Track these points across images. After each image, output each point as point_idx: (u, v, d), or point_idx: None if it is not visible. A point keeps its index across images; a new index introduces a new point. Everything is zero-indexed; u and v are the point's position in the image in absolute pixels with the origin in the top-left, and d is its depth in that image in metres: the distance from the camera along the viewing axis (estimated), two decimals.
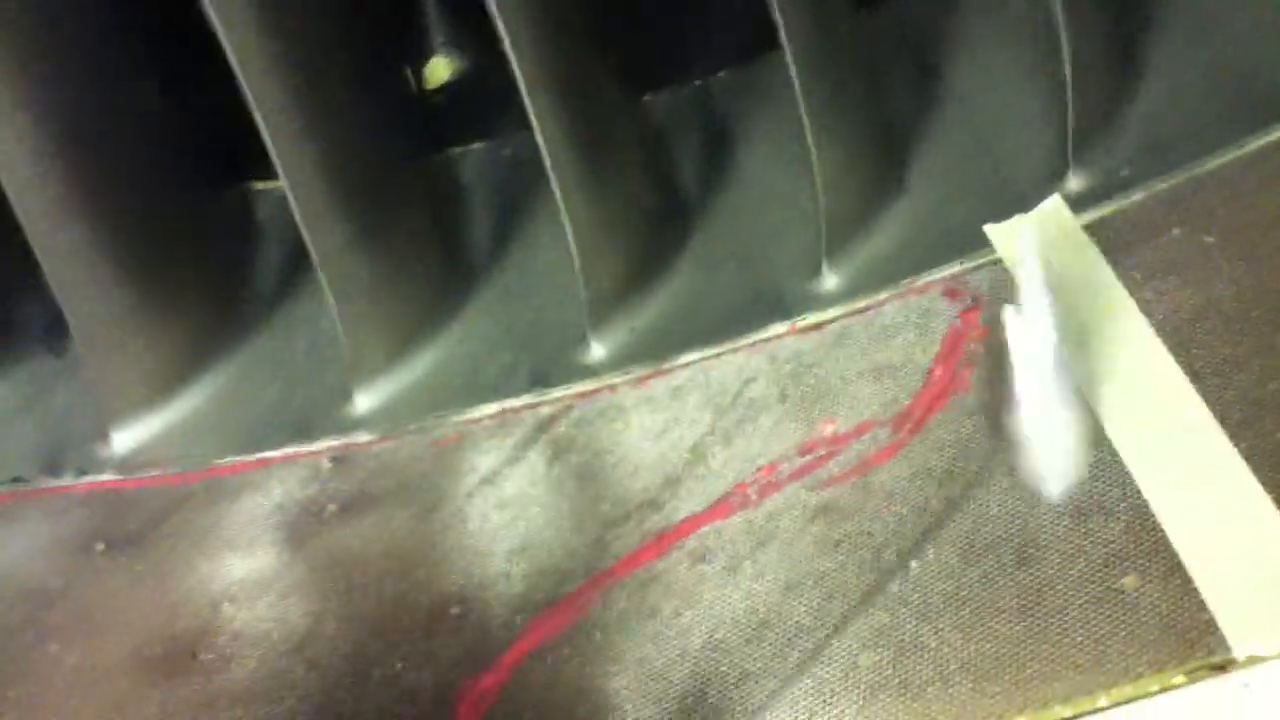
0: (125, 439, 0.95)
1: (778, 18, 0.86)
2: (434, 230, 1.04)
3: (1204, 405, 0.74)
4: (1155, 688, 0.64)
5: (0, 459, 0.95)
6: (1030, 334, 0.74)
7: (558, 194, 0.89)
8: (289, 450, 0.93)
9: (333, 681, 0.78)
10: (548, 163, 0.87)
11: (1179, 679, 0.64)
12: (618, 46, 1.02)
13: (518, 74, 0.87)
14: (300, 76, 0.92)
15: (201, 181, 1.10)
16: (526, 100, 0.88)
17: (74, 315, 0.94)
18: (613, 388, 0.93)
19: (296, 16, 0.92)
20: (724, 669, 0.74)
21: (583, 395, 0.93)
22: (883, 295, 0.91)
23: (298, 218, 0.89)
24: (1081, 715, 0.64)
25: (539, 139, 0.88)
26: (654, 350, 0.95)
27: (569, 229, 0.90)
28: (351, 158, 0.97)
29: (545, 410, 0.93)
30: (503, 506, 0.87)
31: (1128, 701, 0.64)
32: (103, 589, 0.85)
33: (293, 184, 0.91)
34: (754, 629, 0.75)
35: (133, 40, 1.03)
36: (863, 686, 0.70)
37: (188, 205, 1.07)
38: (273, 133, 0.89)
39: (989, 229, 0.90)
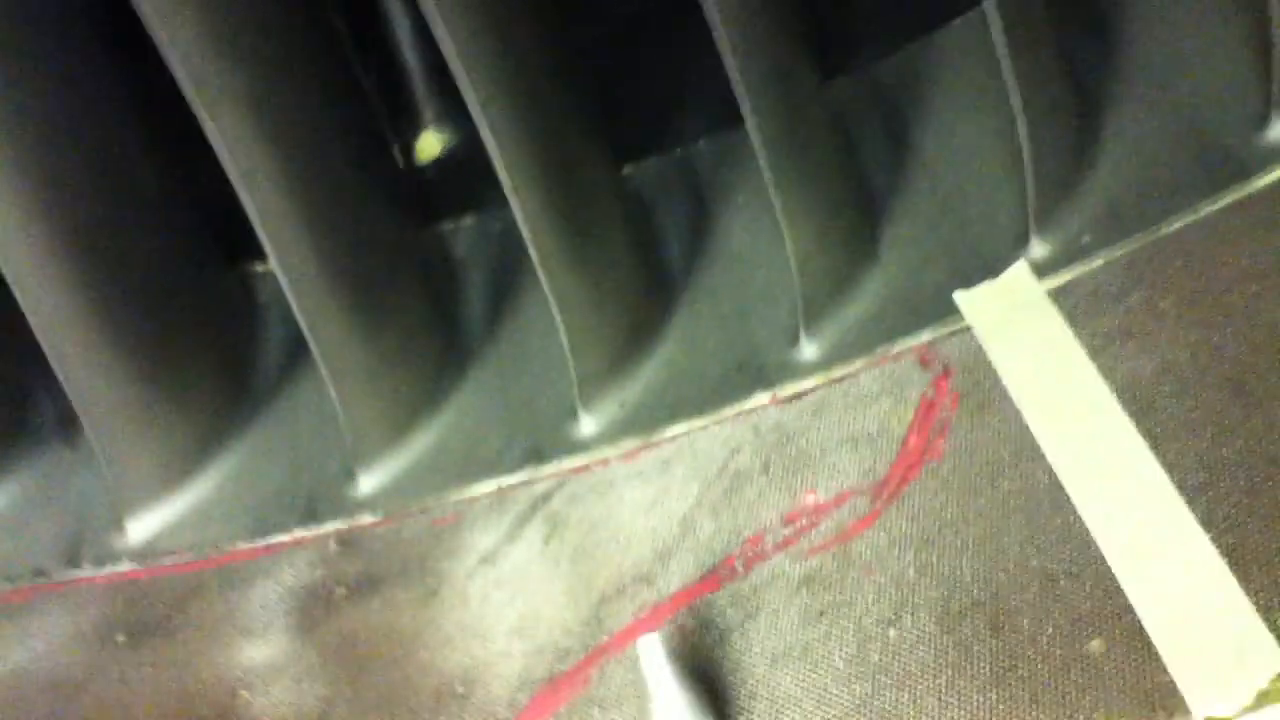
0: (140, 528, 0.99)
1: (742, 96, 0.90)
2: (428, 308, 1.08)
3: (1162, 469, 0.78)
4: None
5: (21, 552, 0.99)
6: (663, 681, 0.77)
7: (539, 269, 0.92)
8: (297, 534, 0.97)
9: None
10: (529, 238, 0.91)
11: None
12: (596, 119, 1.05)
13: (494, 152, 0.90)
14: (290, 158, 0.95)
15: (203, 265, 1.14)
16: (504, 178, 0.91)
17: (83, 408, 0.98)
18: (604, 462, 0.97)
19: (285, 97, 0.95)
20: None
21: (576, 470, 0.97)
22: (858, 364, 0.95)
23: (292, 302, 0.92)
24: None
25: (519, 215, 0.91)
26: (643, 423, 0.99)
27: (554, 304, 0.94)
28: (345, 238, 1.00)
29: (540, 487, 0.97)
30: (501, 585, 0.90)
31: None
32: (124, 680, 0.89)
33: (286, 267, 0.94)
34: (744, 700, 0.79)
35: (132, 125, 1.05)
36: None
37: (191, 290, 1.10)
38: (263, 215, 0.92)
39: (958, 296, 0.94)
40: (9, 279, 0.95)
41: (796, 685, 0.79)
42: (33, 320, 0.97)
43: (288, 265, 0.95)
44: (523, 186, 0.92)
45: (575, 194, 0.99)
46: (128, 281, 1.04)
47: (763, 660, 0.81)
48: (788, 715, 0.77)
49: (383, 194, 1.12)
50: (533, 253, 0.95)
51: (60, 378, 0.98)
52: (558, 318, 0.97)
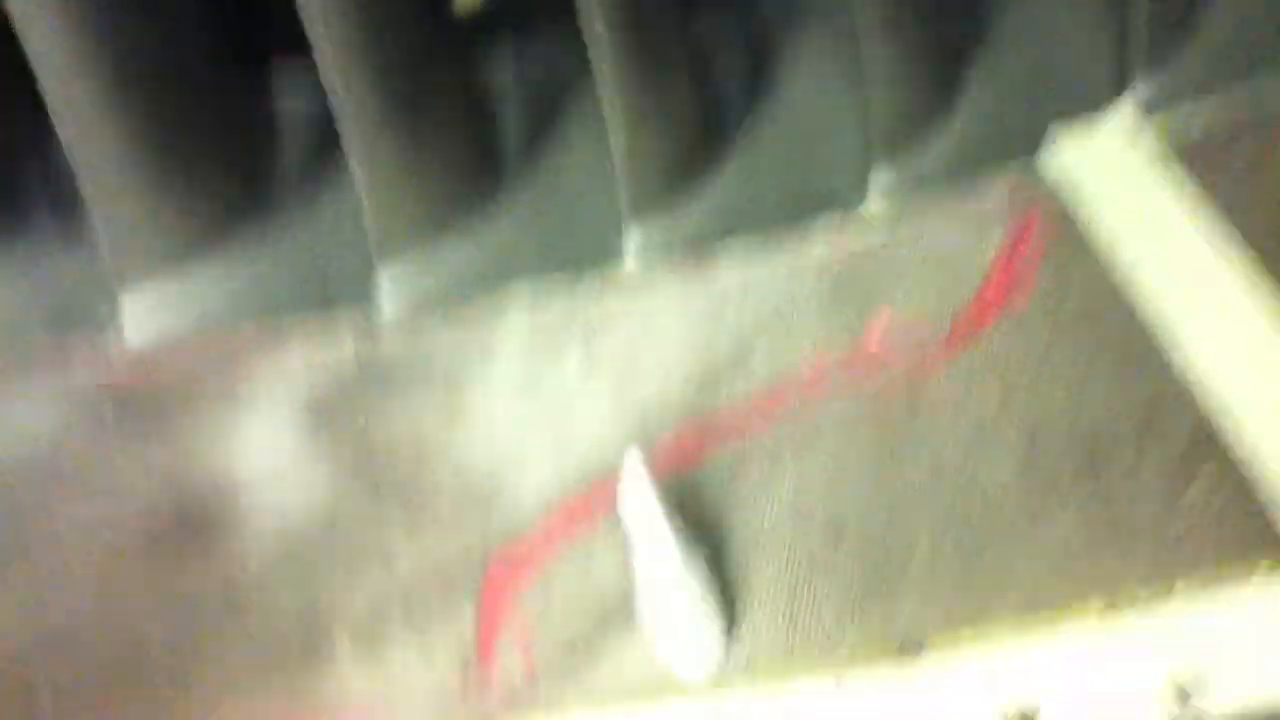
0: (137, 307, 0.91)
1: None
2: (466, 120, 1.00)
3: (1267, 317, 0.73)
4: (1228, 583, 0.62)
5: (7, 318, 0.91)
6: (648, 519, 0.66)
7: (608, 78, 0.85)
8: (310, 326, 0.89)
9: (354, 553, 0.75)
10: (602, 49, 0.83)
11: (1251, 576, 0.62)
12: None
13: None
14: None
15: (224, 59, 1.05)
16: None
17: (88, 178, 0.90)
18: (650, 284, 0.90)
19: None
20: (764, 563, 0.72)
21: (619, 289, 0.90)
22: (934, 206, 0.89)
23: (336, 82, 0.85)
24: (1157, 599, 0.63)
25: (597, 21, 0.84)
26: (693, 249, 0.92)
27: (617, 118, 0.86)
28: (389, 35, 0.93)
29: (578, 304, 0.90)
30: (534, 396, 0.84)
31: (1203, 590, 0.62)
32: (116, 454, 0.81)
33: (332, 56, 0.87)
34: (800, 526, 0.73)
35: None
36: (921, 576, 0.69)
37: (210, 79, 1.02)
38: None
39: (1051, 137, 0.88)
40: (23, 38, 0.86)
41: (859, 511, 0.73)
42: (40, 76, 0.88)
43: (330, 47, 0.87)
44: None
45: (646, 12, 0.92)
46: (144, 57, 0.95)
47: (818, 487, 0.75)
48: (848, 540, 0.71)
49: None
50: (604, 64, 0.87)
51: (65, 142, 0.89)
52: (618, 133, 0.89)
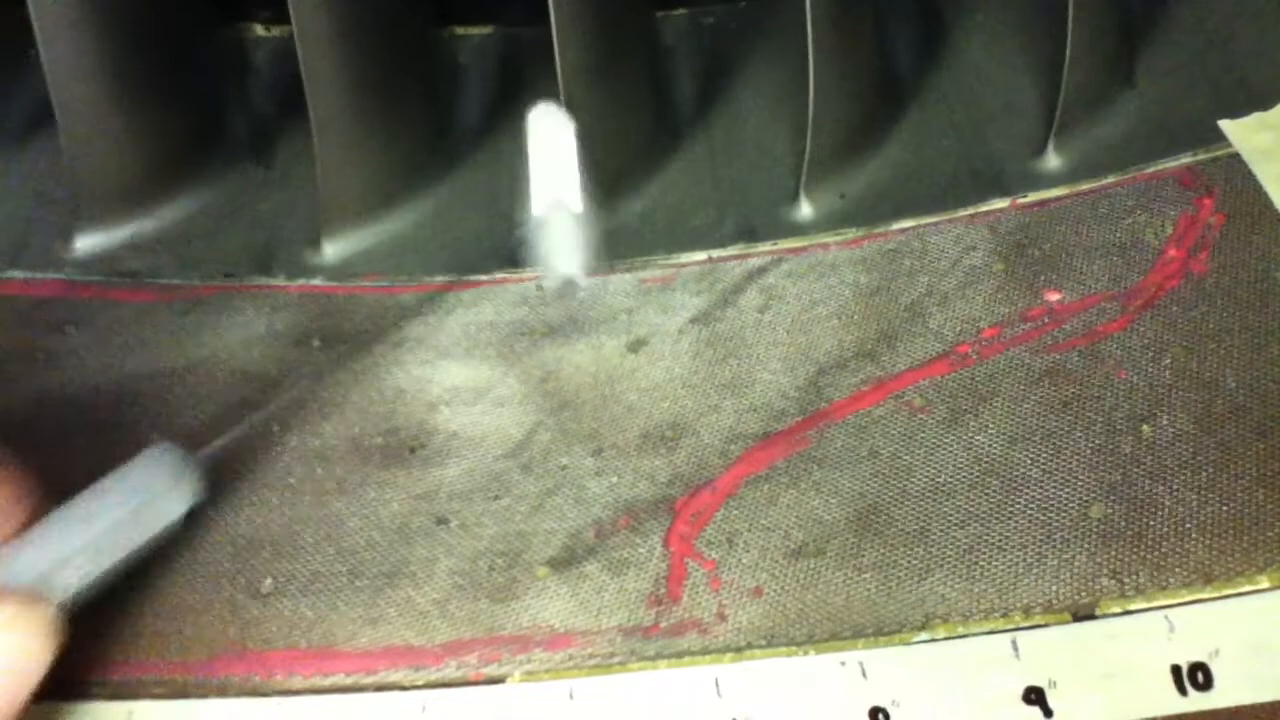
0: (336, 249, 0.96)
1: None
2: (647, 83, 1.04)
3: None
4: None
5: (211, 254, 0.96)
6: (551, 127, 0.81)
7: (811, 48, 0.88)
8: (497, 275, 0.94)
9: (546, 487, 0.79)
10: (810, 18, 0.86)
11: None
12: None
13: None
14: None
15: (420, 20, 1.09)
16: None
17: (318, 118, 0.93)
18: (824, 246, 0.93)
19: None
20: (947, 510, 0.74)
21: (793, 250, 0.93)
22: (1109, 179, 0.91)
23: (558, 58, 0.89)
24: None
25: None
26: (865, 215, 0.95)
27: (812, 78, 0.89)
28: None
29: (754, 261, 0.93)
30: (713, 344, 0.87)
31: None
32: (321, 381, 0.86)
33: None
34: (977, 476, 0.76)
35: None
36: (1094, 535, 0.71)
37: (407, 37, 1.06)
38: None
39: (1225, 123, 0.89)
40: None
41: (1036, 467, 0.75)
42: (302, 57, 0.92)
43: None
44: None
45: None
46: (369, 24, 0.98)
47: (999, 440, 0.77)
48: (1024, 495, 0.74)
49: None
50: (811, 24, 0.90)
51: (307, 87, 0.93)
52: (811, 91, 0.92)
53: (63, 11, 0.88)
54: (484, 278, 0.94)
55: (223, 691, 0.70)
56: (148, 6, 0.94)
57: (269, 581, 0.74)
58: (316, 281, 0.94)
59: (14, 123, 1.04)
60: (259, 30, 1.13)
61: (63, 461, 0.69)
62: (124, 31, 0.91)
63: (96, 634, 0.71)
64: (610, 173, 0.99)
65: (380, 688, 0.69)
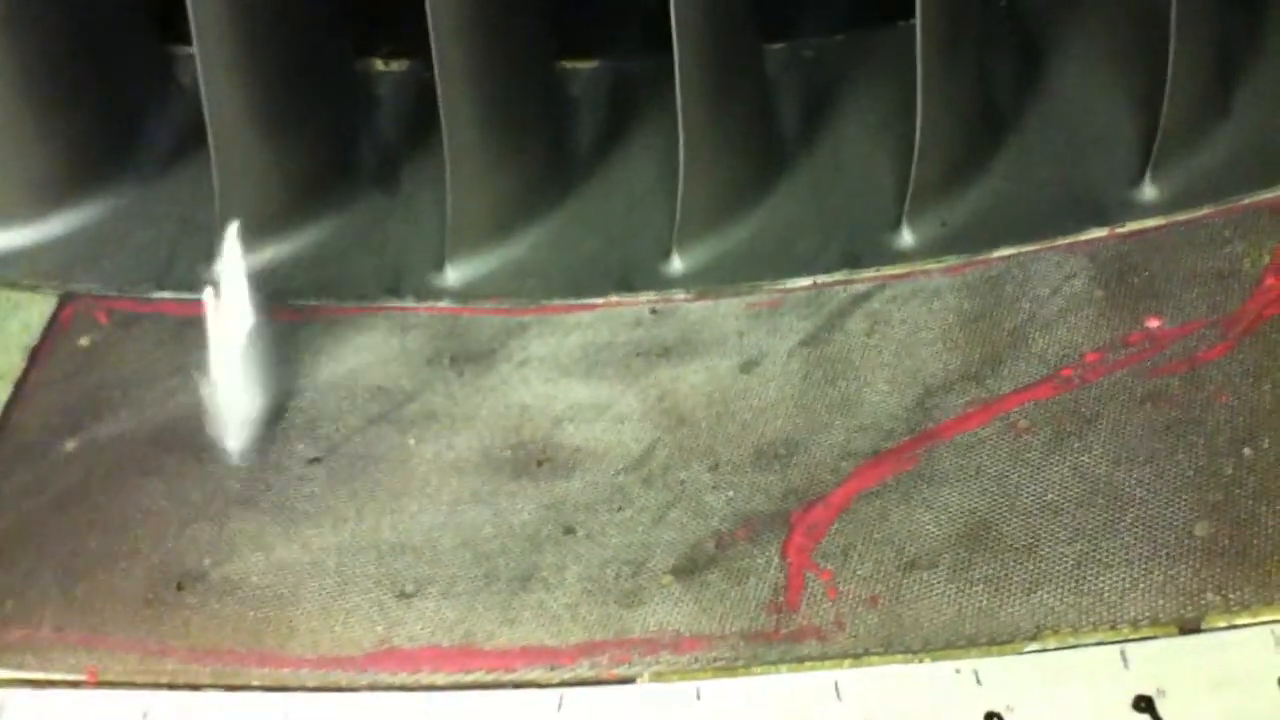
0: (460, 272, 1.02)
1: None
2: (753, 115, 1.09)
3: None
4: None
5: (343, 278, 1.02)
6: (229, 318, 0.90)
7: (920, 79, 0.92)
8: (612, 298, 0.99)
9: (666, 500, 0.84)
10: (920, 50, 0.91)
11: None
12: None
13: None
14: None
15: (541, 58, 1.14)
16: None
17: (452, 149, 0.98)
18: (926, 272, 0.97)
19: None
20: (1055, 527, 0.78)
21: (896, 276, 0.97)
22: (1207, 209, 0.94)
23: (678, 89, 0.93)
24: None
25: (919, 26, 0.91)
26: (967, 242, 0.99)
27: (920, 113, 0.93)
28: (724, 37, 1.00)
29: (858, 287, 0.97)
30: (822, 366, 0.91)
31: None
32: (452, 396, 0.91)
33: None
34: (1084, 495, 0.79)
35: None
36: (1198, 552, 0.74)
37: (531, 72, 1.10)
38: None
39: None
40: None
41: (1141, 486, 0.78)
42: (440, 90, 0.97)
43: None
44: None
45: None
46: (505, 56, 1.03)
47: (1104, 461, 0.80)
48: (1130, 513, 0.77)
49: None
50: (920, 59, 0.94)
51: (444, 120, 0.98)
52: (919, 121, 0.96)
53: (224, 51, 0.95)
54: (598, 300, 0.99)
55: (372, 686, 0.75)
56: (297, 46, 1.00)
57: (411, 584, 0.80)
58: (444, 303, 1.00)
59: (159, 152, 1.11)
60: (379, 65, 1.19)
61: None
62: (275, 69, 0.98)
63: (253, 631, 0.77)
64: (721, 200, 1.03)
65: (519, 685, 0.74)
